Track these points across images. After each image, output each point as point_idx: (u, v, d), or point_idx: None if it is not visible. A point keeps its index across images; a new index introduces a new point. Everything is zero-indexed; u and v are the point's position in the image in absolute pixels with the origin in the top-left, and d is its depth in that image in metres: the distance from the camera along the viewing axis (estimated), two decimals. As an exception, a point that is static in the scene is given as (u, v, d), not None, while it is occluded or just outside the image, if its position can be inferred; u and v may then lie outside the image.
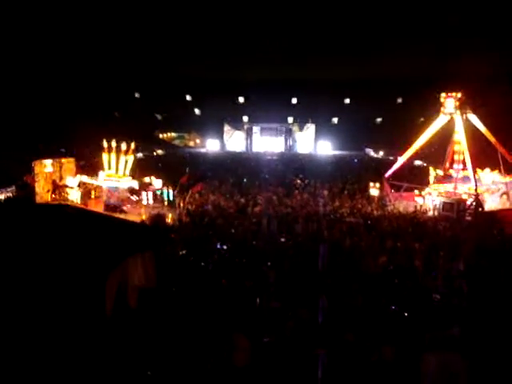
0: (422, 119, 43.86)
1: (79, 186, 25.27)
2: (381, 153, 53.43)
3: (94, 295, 8.51)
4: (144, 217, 20.34)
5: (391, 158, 44.02)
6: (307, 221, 18.74)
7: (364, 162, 47.85)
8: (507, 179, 26.80)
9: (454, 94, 27.42)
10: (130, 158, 26.26)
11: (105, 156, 26.24)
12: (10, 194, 24.85)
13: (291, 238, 15.98)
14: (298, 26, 50.59)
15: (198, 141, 62.49)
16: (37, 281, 8.88)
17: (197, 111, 62.82)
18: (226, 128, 60.80)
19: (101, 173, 26.13)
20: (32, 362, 7.13)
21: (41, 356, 7.25)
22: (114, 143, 26.02)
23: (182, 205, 23.84)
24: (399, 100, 57.82)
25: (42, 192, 24.58)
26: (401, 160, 30.84)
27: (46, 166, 24.82)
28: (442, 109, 27.94)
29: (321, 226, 17.83)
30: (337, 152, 56.32)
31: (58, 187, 25.15)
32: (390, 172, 30.41)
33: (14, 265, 9.44)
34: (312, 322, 8.60)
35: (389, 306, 10.01)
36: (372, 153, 55.23)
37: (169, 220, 19.47)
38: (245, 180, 31.83)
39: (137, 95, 61.30)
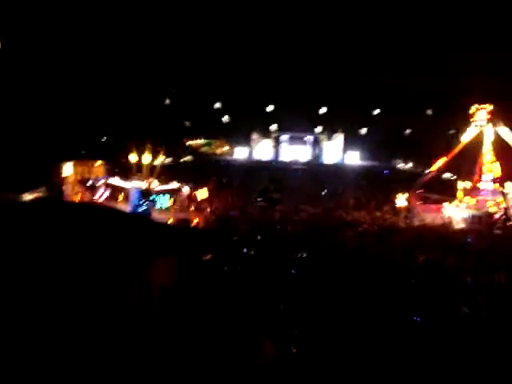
0: (451, 131, 43.21)
1: (107, 186, 25.68)
2: (409, 164, 52.77)
3: (120, 294, 8.64)
4: (170, 220, 20.54)
5: (420, 169, 43.43)
6: (328, 230, 18.73)
7: (392, 173, 47.29)
8: None
9: (485, 105, 27.05)
10: (158, 163, 26.46)
11: (134, 160, 26.52)
12: (40, 194, 25.41)
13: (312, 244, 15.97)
14: (328, 34, 50.66)
15: (225, 148, 62.43)
16: (64, 279, 9.05)
17: (225, 118, 63.04)
18: (254, 136, 60.64)
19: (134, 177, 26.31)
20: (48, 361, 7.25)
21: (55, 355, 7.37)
22: (143, 148, 26.32)
23: (208, 210, 24.00)
24: (429, 111, 57.03)
25: (71, 193, 25.06)
26: (429, 172, 30.42)
27: (68, 168, 25.11)
28: (472, 121, 27.55)
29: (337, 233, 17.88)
30: (365, 163, 55.82)
31: (82, 188, 25.61)
32: (417, 184, 30.04)
33: (42, 263, 9.61)
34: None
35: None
36: (401, 164, 54.54)
37: (195, 224, 19.65)
38: (271, 188, 31.84)
39: (167, 102, 61.87)
